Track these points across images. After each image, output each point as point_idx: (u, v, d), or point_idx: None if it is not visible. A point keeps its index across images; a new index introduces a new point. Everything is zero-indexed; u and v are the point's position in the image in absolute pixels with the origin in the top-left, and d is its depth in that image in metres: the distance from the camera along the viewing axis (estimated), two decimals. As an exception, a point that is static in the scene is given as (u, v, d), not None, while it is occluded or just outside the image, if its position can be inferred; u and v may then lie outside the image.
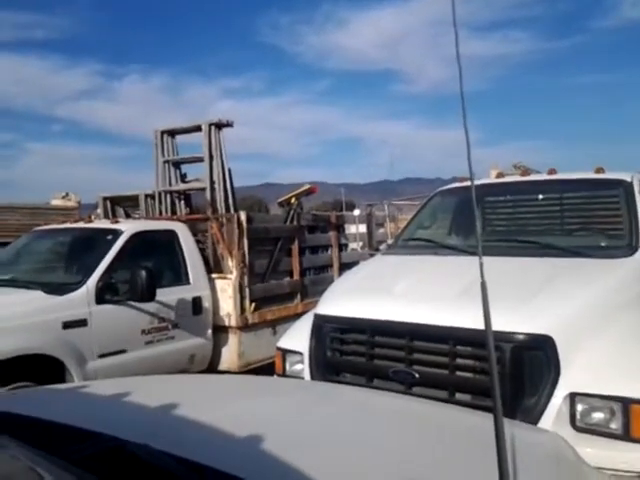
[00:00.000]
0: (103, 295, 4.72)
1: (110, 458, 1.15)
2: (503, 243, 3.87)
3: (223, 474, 1.09)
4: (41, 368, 4.18)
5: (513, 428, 1.45)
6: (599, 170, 4.24)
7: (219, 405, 1.71)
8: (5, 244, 6.36)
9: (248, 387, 2.10)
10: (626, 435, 2.49)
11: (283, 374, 3.62)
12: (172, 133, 7.29)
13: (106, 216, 7.33)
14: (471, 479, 1.21)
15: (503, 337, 2.67)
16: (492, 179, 4.87)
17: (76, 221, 6.48)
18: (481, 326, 2.74)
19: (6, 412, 1.42)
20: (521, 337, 2.75)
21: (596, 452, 2.36)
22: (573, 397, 2.62)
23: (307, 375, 3.43)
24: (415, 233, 4.70)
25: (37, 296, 4.50)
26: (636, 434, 2.47)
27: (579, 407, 2.61)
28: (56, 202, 11.78)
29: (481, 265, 0.84)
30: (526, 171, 4.91)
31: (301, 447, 1.33)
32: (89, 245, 5.43)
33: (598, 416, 2.57)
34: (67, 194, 12.13)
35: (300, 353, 3.54)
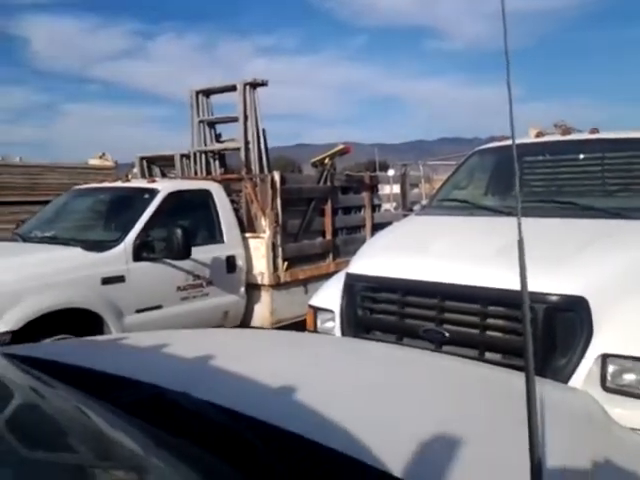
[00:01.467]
0: (140, 252, 4.83)
1: (152, 405, 1.20)
2: (541, 204, 3.80)
3: (259, 422, 1.13)
4: (81, 322, 4.33)
5: (543, 386, 1.46)
6: (643, 129, 4.10)
7: (254, 358, 1.76)
8: (44, 203, 6.52)
9: (283, 341, 2.15)
10: (657, 396, 2.48)
11: (314, 331, 3.68)
12: (207, 93, 7.29)
13: (143, 175, 7.43)
14: (501, 433, 1.23)
15: (536, 298, 2.66)
16: (531, 138, 4.75)
17: (114, 180, 6.60)
18: (513, 287, 2.72)
19: (52, 360, 1.49)
20: (555, 298, 2.73)
21: (625, 412, 2.35)
22: (605, 358, 2.61)
23: (338, 333, 3.48)
24: (450, 194, 4.64)
25: (77, 253, 4.62)
26: (667, 395, 2.46)
27: (610, 368, 2.60)
28: (93, 162, 11.95)
29: (519, 224, 0.84)
30: (567, 130, 4.77)
31: (336, 398, 1.37)
32: (127, 204, 5.54)
33: (629, 377, 2.56)
34: (104, 154, 12.28)
35: (331, 311, 3.58)
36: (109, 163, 11.86)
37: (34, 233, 5.38)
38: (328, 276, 4.57)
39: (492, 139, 5.19)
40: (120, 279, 4.66)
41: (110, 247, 4.75)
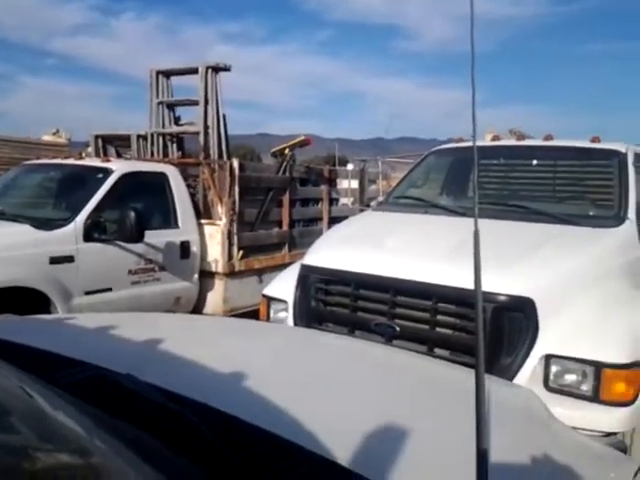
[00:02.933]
0: (91, 233, 4.71)
1: (95, 385, 1.18)
2: (494, 206, 3.88)
3: (203, 405, 1.12)
4: (27, 301, 4.20)
5: (488, 382, 1.49)
6: (595, 139, 4.23)
7: (204, 343, 1.75)
8: (-6, 176, 6.29)
9: (233, 328, 2.13)
10: (595, 397, 2.58)
11: (267, 321, 3.68)
12: (167, 74, 7.15)
13: (97, 154, 7.24)
14: (448, 427, 1.25)
15: (485, 297, 2.71)
16: (487, 142, 4.85)
17: (67, 157, 6.40)
18: (464, 285, 2.77)
19: (-7, 337, 1.44)
20: (503, 298, 2.80)
21: (565, 412, 2.43)
22: (548, 358, 2.70)
23: (291, 323, 3.48)
24: (407, 191, 4.70)
25: (25, 230, 4.48)
26: (605, 396, 2.56)
27: (553, 368, 2.69)
28: (47, 138, 11.60)
29: (476, 221, 0.85)
30: (521, 136, 4.89)
31: (283, 386, 1.37)
32: (79, 182, 5.38)
33: (570, 378, 2.65)
34: (58, 130, 11.94)
35: (285, 301, 3.58)
36: (62, 140, 11.53)
37: (-20, 208, 5.18)
38: (283, 267, 4.57)
39: (450, 140, 5.28)
40: (69, 259, 4.54)
41: (60, 226, 4.61)
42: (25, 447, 0.69)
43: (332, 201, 7.58)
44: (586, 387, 2.61)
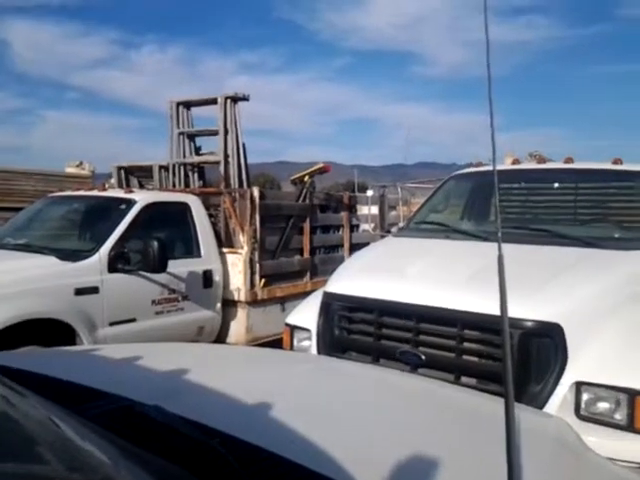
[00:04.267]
0: (115, 264, 4.76)
1: (122, 417, 1.18)
2: (516, 230, 3.85)
3: (230, 437, 1.11)
4: (52, 333, 4.24)
5: (519, 411, 1.46)
6: (617, 161, 4.20)
7: (228, 373, 1.74)
8: (20, 209, 6.41)
9: (257, 358, 2.12)
10: (630, 426, 2.50)
11: (291, 350, 3.66)
12: (187, 105, 7.28)
13: (120, 185, 7.35)
14: (476, 458, 1.22)
15: (512, 323, 2.67)
16: (507, 165, 4.83)
17: (90, 189, 6.51)
18: (489, 311, 2.73)
19: (23, 369, 1.45)
20: (530, 324, 2.75)
21: (599, 441, 2.36)
22: (579, 386, 2.63)
23: (314, 352, 3.46)
24: (427, 217, 4.68)
25: (50, 262, 4.54)
26: (640, 425, 2.49)
27: (584, 396, 2.62)
28: (70, 170, 11.81)
29: (500, 246, 0.84)
30: (542, 159, 4.87)
31: (308, 416, 1.35)
32: (103, 213, 5.46)
33: (603, 406, 2.58)
34: (81, 162, 12.15)
35: (308, 330, 3.57)
36: (85, 172, 11.74)
37: (7, 240, 5.27)
38: (305, 295, 4.56)
39: (469, 165, 5.27)
40: (94, 290, 4.58)
41: (84, 257, 4.67)
42: (53, 478, 0.68)
43: (353, 227, 7.58)
44: (620, 416, 2.53)
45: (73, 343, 4.34)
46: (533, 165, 4.71)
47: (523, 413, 1.56)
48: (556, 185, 4.40)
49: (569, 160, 4.43)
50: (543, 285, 2.94)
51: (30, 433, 0.76)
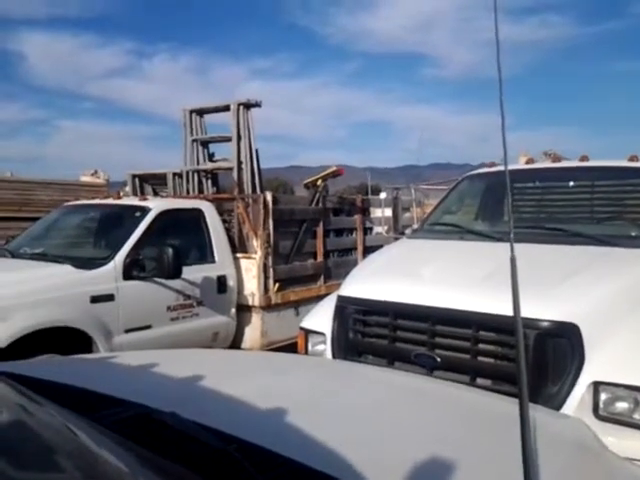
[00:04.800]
0: (130, 271, 4.79)
1: (139, 424, 1.19)
2: (531, 230, 3.82)
3: (247, 443, 1.12)
4: (69, 341, 4.27)
5: (535, 413, 1.45)
6: (633, 158, 4.15)
7: (244, 379, 1.74)
8: (36, 219, 6.48)
9: (272, 363, 2.13)
10: (650, 426, 2.47)
11: (305, 354, 3.65)
12: (200, 112, 7.33)
13: (134, 193, 7.41)
14: (492, 460, 1.21)
15: (528, 323, 2.65)
16: (521, 165, 4.80)
17: (105, 197, 6.57)
18: (504, 312, 2.71)
19: (40, 377, 1.47)
20: (546, 324, 2.73)
21: (618, 441, 2.33)
22: (597, 386, 2.60)
23: (329, 356, 3.45)
24: (441, 218, 4.66)
25: (66, 270, 4.58)
26: (660, 425, 2.45)
27: (603, 396, 2.59)
28: (85, 179, 11.92)
29: (512, 247, 0.84)
30: (557, 158, 4.83)
31: (326, 421, 1.35)
32: (118, 221, 5.51)
33: (622, 406, 2.55)
34: (96, 171, 12.26)
35: (322, 334, 3.56)
36: (100, 180, 11.85)
37: (24, 249, 5.33)
38: (319, 298, 4.56)
39: (482, 165, 5.24)
40: (109, 298, 4.62)
41: (100, 265, 4.71)
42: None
43: (366, 230, 7.57)
44: (639, 415, 2.50)
45: (89, 351, 4.37)
46: (548, 164, 4.67)
47: (540, 414, 1.55)
48: (571, 184, 4.36)
49: (584, 158, 4.39)
50: (559, 284, 2.92)
51: (47, 441, 0.77)
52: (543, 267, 3.12)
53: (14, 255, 5.19)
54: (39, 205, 9.19)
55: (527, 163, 4.79)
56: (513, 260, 0.80)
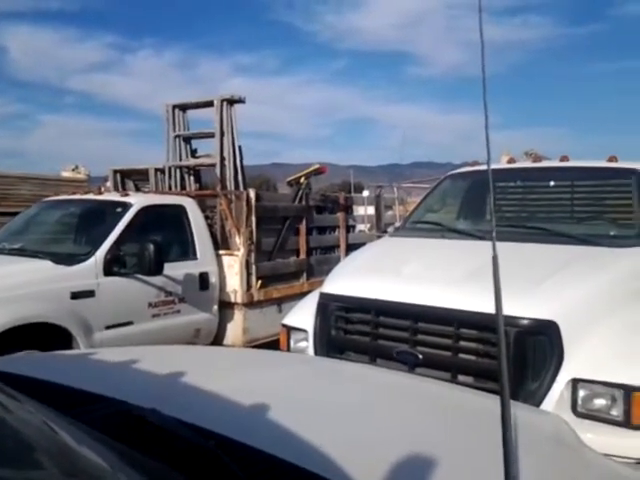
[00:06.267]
0: (111, 267, 4.74)
1: (119, 420, 1.18)
2: (512, 229, 3.86)
3: (227, 439, 1.12)
4: (49, 337, 4.22)
5: (515, 409, 1.46)
6: (612, 159, 4.21)
7: (225, 375, 1.74)
8: (15, 214, 6.39)
9: (254, 359, 2.12)
10: (627, 422, 2.51)
11: (287, 351, 3.66)
12: (183, 108, 7.28)
13: (116, 189, 7.35)
14: (473, 456, 1.22)
15: (508, 321, 2.68)
16: (503, 164, 4.85)
17: (86, 193, 6.50)
18: (485, 309, 2.74)
19: (18, 373, 1.45)
20: (526, 322, 2.76)
21: (596, 438, 2.37)
22: (575, 383, 2.64)
23: (311, 353, 3.46)
24: (424, 216, 4.69)
25: (46, 266, 4.53)
26: (637, 421, 2.49)
27: (581, 393, 2.63)
28: (66, 174, 11.79)
29: (494, 246, 0.84)
30: (537, 158, 4.88)
31: (306, 417, 1.35)
32: (98, 217, 5.46)
33: (599, 402, 2.59)
34: (77, 166, 12.13)
35: (305, 331, 3.57)
36: (81, 176, 11.72)
37: (2, 244, 5.25)
38: (302, 295, 4.56)
39: (465, 164, 5.28)
40: (90, 294, 4.57)
41: (80, 261, 4.66)
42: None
43: (349, 228, 7.58)
44: (616, 412, 2.54)
45: (69, 347, 4.33)
46: (528, 164, 4.72)
47: (520, 411, 1.56)
48: (552, 183, 4.41)
49: (564, 158, 4.45)
50: (539, 283, 2.95)
51: (26, 438, 0.76)
52: (524, 265, 3.15)
53: (-8, 250, 5.12)
54: (18, 200, 9.07)
55: (508, 162, 4.84)
56: (495, 258, 0.81)
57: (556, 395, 2.67)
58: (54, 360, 1.93)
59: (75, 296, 4.46)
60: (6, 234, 5.60)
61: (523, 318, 2.76)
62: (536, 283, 2.95)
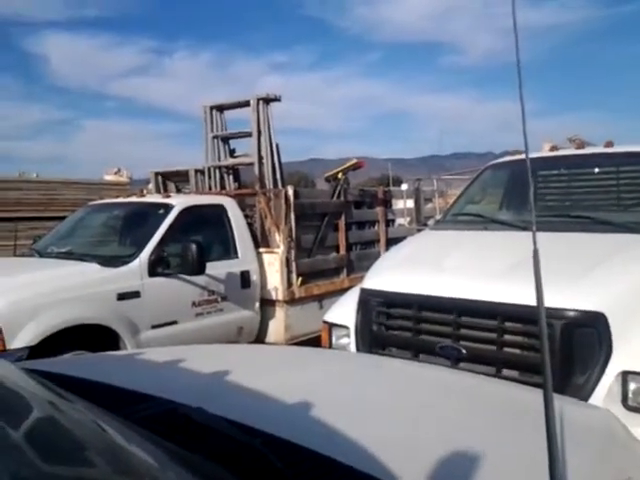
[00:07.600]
0: (155, 268, 4.84)
1: (166, 419, 1.20)
2: (556, 218, 3.77)
3: (273, 437, 1.13)
4: (97, 338, 4.34)
5: (563, 404, 1.44)
6: (658, 143, 4.06)
7: (269, 373, 1.75)
8: (61, 218, 6.58)
9: (297, 357, 2.14)
10: (680, 415, 2.43)
11: (329, 348, 3.66)
12: (220, 108, 7.36)
13: (158, 191, 7.48)
14: (520, 453, 1.20)
15: (554, 313, 2.62)
16: (545, 152, 4.73)
17: (129, 196, 6.65)
18: (530, 302, 2.68)
19: (69, 374, 1.50)
20: (572, 314, 2.69)
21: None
22: (625, 375, 2.56)
23: (353, 349, 3.45)
24: (464, 208, 4.62)
25: (93, 268, 4.65)
26: (691, 414, 2.41)
27: (631, 386, 2.55)
28: (109, 178, 12.07)
29: (534, 235, 0.83)
30: (581, 144, 4.74)
31: (351, 414, 1.36)
32: (142, 219, 5.57)
33: None
34: (119, 170, 12.41)
35: (346, 327, 3.56)
36: (124, 179, 11.98)
37: (50, 249, 5.42)
38: (342, 292, 4.55)
39: (506, 153, 5.17)
40: (135, 295, 4.68)
41: (125, 262, 4.77)
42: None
43: (388, 222, 7.53)
44: (669, 405, 2.46)
45: (117, 347, 4.44)
46: (571, 151, 4.59)
47: (567, 406, 1.53)
48: (596, 170, 4.29)
49: (609, 144, 4.31)
50: (585, 273, 2.88)
51: (78, 437, 0.79)
52: (569, 256, 3.07)
53: (41, 254, 5.29)
54: (64, 204, 9.34)
55: (551, 150, 4.72)
56: (536, 252, 0.80)
57: (605, 389, 2.59)
58: (102, 361, 1.98)
59: (121, 297, 4.57)
60: (54, 238, 5.77)
61: (569, 310, 2.69)
62: (582, 274, 2.87)
